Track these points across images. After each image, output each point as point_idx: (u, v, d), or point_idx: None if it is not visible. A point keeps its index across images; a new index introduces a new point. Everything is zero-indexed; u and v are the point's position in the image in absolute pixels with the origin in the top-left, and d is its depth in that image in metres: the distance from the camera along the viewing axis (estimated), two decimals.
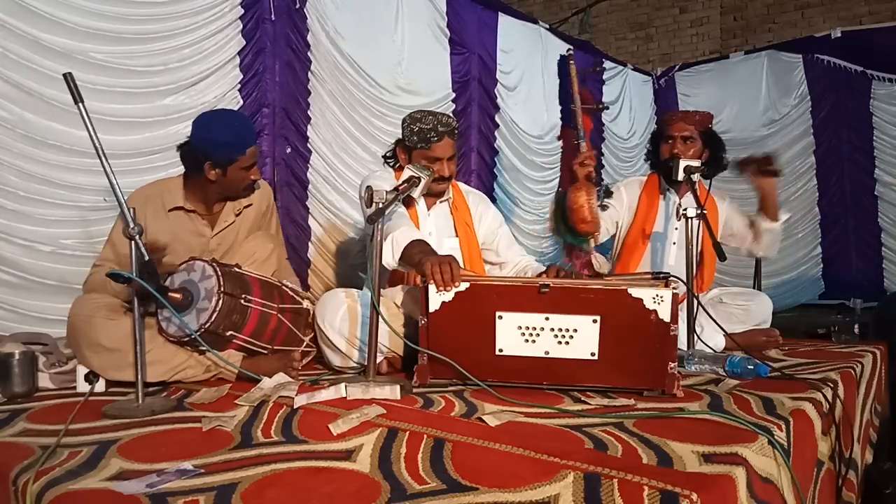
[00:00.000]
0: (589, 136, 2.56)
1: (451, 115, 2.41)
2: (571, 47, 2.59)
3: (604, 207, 2.50)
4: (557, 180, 5.12)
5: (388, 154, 2.55)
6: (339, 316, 2.16)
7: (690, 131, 2.71)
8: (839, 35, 5.65)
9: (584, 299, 1.74)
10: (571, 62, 2.58)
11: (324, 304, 2.21)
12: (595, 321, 1.74)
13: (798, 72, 5.84)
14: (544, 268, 2.40)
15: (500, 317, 1.77)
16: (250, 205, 2.31)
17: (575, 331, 1.75)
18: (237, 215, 2.28)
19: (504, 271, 2.54)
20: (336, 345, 2.16)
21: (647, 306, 1.71)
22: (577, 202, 2.47)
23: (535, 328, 1.76)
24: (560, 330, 1.76)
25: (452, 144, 2.36)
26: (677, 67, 6.53)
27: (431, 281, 1.78)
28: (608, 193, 2.59)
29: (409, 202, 2.34)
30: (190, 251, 2.14)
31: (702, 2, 7.28)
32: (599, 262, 2.64)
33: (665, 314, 1.71)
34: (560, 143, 2.60)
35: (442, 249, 2.34)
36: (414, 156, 2.36)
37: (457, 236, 2.45)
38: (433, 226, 2.43)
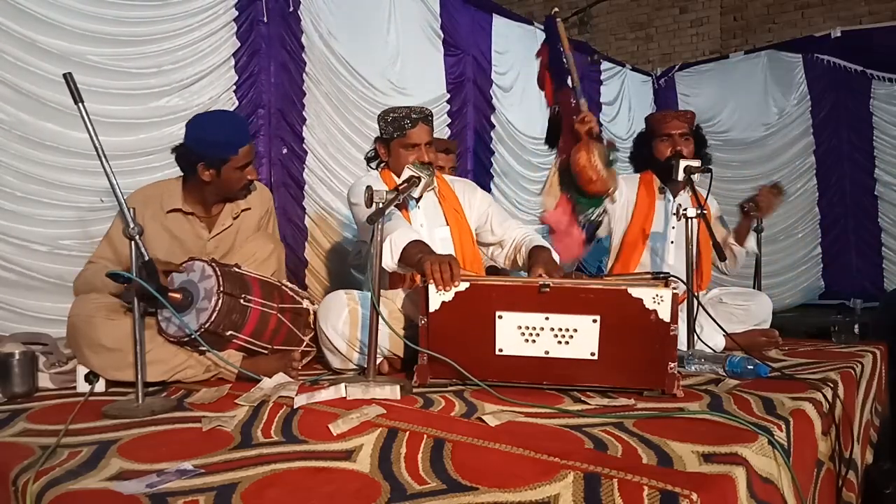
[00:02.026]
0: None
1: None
2: (557, 8, 2.56)
3: (609, 163, 2.42)
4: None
5: (369, 154, 2.57)
6: (342, 319, 2.15)
7: (685, 129, 2.74)
8: (839, 35, 5.65)
9: (584, 299, 1.74)
10: (559, 20, 2.55)
11: (326, 306, 2.21)
12: (595, 321, 1.74)
13: (798, 72, 5.84)
14: (543, 241, 2.39)
15: (500, 316, 1.77)
16: (248, 208, 2.30)
17: (575, 330, 1.75)
18: (235, 218, 2.27)
19: (505, 249, 2.51)
20: (337, 347, 2.16)
21: (646, 306, 1.71)
22: (578, 164, 2.37)
23: (534, 328, 1.76)
24: (560, 330, 1.75)
25: (428, 131, 2.37)
26: (677, 67, 6.53)
27: (431, 280, 1.78)
28: (612, 146, 2.53)
29: (403, 201, 2.34)
30: (188, 253, 2.14)
31: (702, 2, 7.27)
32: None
33: (665, 314, 1.71)
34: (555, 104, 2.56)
35: (433, 240, 2.35)
36: (392, 147, 2.38)
37: (447, 225, 2.44)
38: (423, 217, 2.43)
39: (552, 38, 2.58)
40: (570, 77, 2.46)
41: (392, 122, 2.36)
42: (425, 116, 2.37)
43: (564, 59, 2.49)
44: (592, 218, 2.55)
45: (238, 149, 2.11)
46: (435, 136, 2.54)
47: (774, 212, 2.79)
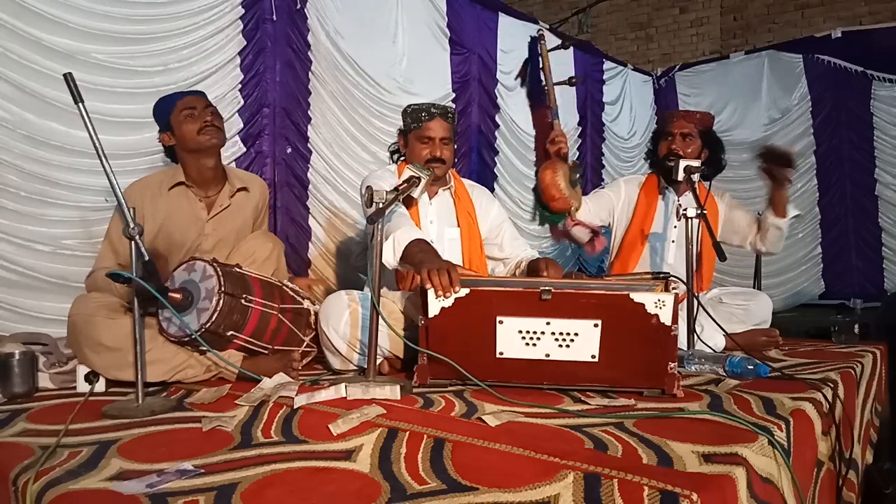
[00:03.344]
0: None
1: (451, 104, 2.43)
2: (542, 28, 2.63)
3: (572, 182, 2.53)
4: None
5: (391, 148, 2.59)
6: (343, 320, 2.15)
7: (690, 129, 2.73)
8: (839, 35, 5.65)
9: (586, 304, 1.73)
10: (543, 42, 2.64)
11: (328, 307, 2.20)
12: (596, 325, 1.73)
13: (798, 72, 5.84)
14: (538, 254, 2.43)
15: (501, 321, 1.76)
16: (245, 188, 2.33)
17: (576, 334, 1.74)
18: (231, 197, 2.30)
19: (507, 268, 2.54)
20: (337, 348, 2.16)
21: (648, 311, 1.70)
22: (543, 181, 2.52)
23: (535, 332, 1.75)
24: (561, 334, 1.75)
25: (447, 127, 2.38)
26: (677, 67, 6.53)
27: (430, 286, 1.78)
28: (576, 167, 2.61)
29: (409, 200, 2.34)
30: (184, 233, 2.17)
31: (702, 2, 7.28)
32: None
33: (666, 318, 1.70)
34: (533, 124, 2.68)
35: (443, 239, 2.35)
36: (410, 140, 2.41)
37: (458, 226, 2.44)
38: (434, 215, 2.43)
39: (534, 58, 2.66)
40: (547, 98, 2.54)
41: (411, 114, 2.40)
42: (445, 112, 2.39)
43: (543, 80, 2.56)
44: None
45: (176, 101, 2.20)
46: None
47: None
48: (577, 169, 2.59)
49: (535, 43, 2.67)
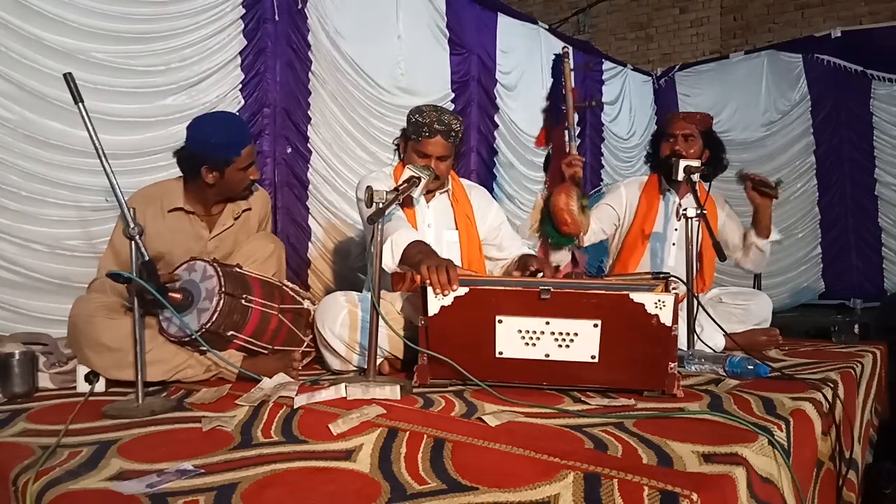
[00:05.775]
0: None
1: (458, 117, 2.35)
2: (568, 46, 2.64)
3: (582, 208, 2.58)
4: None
5: (396, 143, 2.57)
6: (339, 321, 2.15)
7: (691, 130, 2.74)
8: (839, 35, 5.66)
9: (586, 304, 1.73)
10: (567, 60, 2.64)
11: (324, 308, 2.20)
12: (596, 325, 1.73)
13: (798, 72, 5.84)
14: (531, 251, 2.43)
15: (500, 321, 1.76)
16: (249, 209, 2.30)
17: (576, 334, 1.74)
18: (236, 219, 2.27)
19: (502, 268, 2.54)
20: (335, 349, 2.16)
21: (648, 311, 1.70)
22: (556, 205, 2.56)
23: (535, 332, 1.75)
24: (561, 334, 1.74)
25: (446, 146, 2.28)
26: (677, 67, 6.53)
27: (429, 283, 1.78)
28: (585, 196, 2.66)
29: (409, 200, 2.34)
30: (188, 253, 2.14)
31: (702, 2, 7.28)
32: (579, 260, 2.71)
33: (666, 318, 1.70)
34: (548, 143, 2.71)
35: (441, 242, 2.34)
36: (409, 146, 2.35)
37: (457, 229, 2.43)
38: (432, 218, 2.42)
39: (557, 78, 2.66)
40: (566, 117, 2.56)
41: (414, 124, 2.27)
42: (447, 131, 2.25)
43: (563, 100, 2.58)
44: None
45: (241, 150, 2.10)
46: None
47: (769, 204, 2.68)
48: (586, 196, 2.64)
49: (559, 61, 2.67)
